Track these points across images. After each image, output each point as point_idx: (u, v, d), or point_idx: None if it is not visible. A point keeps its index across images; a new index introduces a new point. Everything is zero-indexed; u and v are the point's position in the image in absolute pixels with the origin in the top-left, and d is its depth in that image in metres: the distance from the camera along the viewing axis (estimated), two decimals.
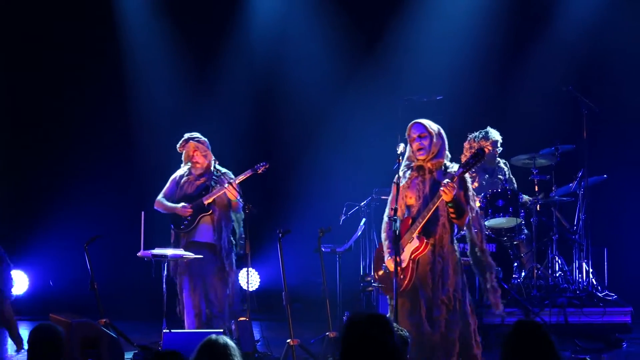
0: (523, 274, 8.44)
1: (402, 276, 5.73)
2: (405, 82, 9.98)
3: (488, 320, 7.65)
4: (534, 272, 8.31)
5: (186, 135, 7.67)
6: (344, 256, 8.53)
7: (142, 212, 7.14)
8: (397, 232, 5.62)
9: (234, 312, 7.47)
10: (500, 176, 8.77)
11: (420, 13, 10.28)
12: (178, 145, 7.65)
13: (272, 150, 10.18)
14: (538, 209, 8.41)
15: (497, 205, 8.18)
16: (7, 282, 7.65)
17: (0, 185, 10.41)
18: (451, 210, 5.78)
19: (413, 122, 5.99)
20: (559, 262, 8.48)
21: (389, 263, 5.84)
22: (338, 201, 9.13)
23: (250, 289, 7.91)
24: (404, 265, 5.76)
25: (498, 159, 8.84)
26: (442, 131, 5.99)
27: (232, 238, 7.63)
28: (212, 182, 7.56)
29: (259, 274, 10.30)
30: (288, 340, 6.64)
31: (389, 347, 3.02)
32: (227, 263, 7.49)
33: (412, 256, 5.80)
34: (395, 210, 5.68)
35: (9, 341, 7.77)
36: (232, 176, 7.63)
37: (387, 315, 5.20)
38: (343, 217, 8.82)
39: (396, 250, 5.62)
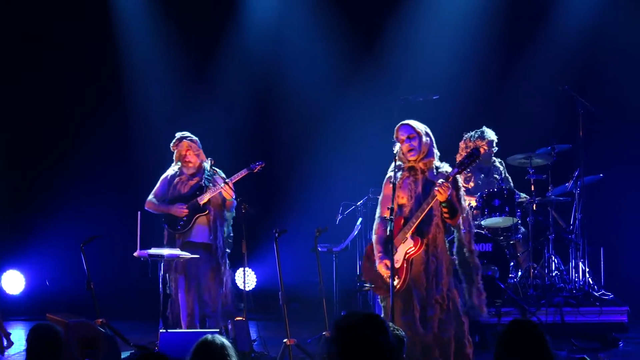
0: (519, 273, 8.45)
1: (396, 276, 5.73)
2: (403, 81, 9.99)
3: (485, 320, 7.66)
4: (531, 272, 8.31)
5: (179, 134, 7.66)
6: (340, 256, 8.56)
7: (139, 212, 7.14)
8: (391, 232, 5.61)
9: (227, 311, 7.46)
10: (496, 175, 8.78)
11: (417, 13, 10.29)
12: (171, 145, 7.65)
13: (269, 150, 10.19)
14: (534, 208, 8.42)
15: (493, 204, 8.18)
16: None
17: None
18: (445, 210, 5.79)
19: (400, 123, 5.99)
20: (556, 261, 8.48)
21: (381, 267, 5.83)
22: (334, 201, 9.14)
23: (247, 289, 7.92)
24: (397, 265, 5.76)
25: (494, 158, 8.85)
26: (429, 130, 6.01)
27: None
28: (206, 182, 7.54)
29: (255, 273, 10.32)
30: (285, 340, 6.64)
31: (384, 347, 3.02)
32: (222, 263, 7.49)
33: (407, 256, 5.81)
34: (392, 210, 5.69)
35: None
36: (223, 175, 7.61)
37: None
38: (339, 217, 8.83)
39: (391, 251, 5.62)
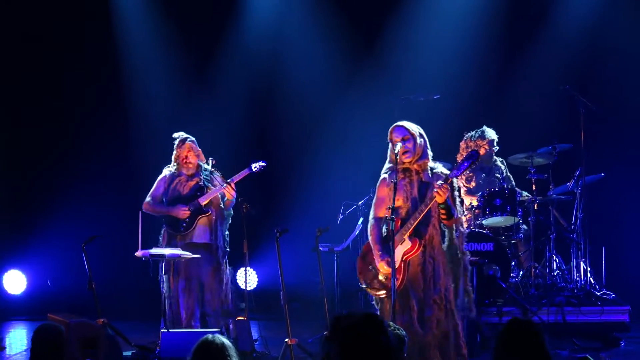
0: (521, 272, 8.45)
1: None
2: (403, 81, 9.99)
3: (485, 319, 7.66)
4: (532, 271, 8.31)
5: (180, 135, 7.62)
6: (341, 255, 8.54)
7: (140, 212, 7.14)
8: (392, 232, 5.60)
9: (227, 310, 7.45)
10: (497, 175, 8.78)
11: (417, 13, 10.29)
12: (175, 146, 7.62)
13: (269, 150, 10.18)
14: (536, 207, 8.42)
15: (494, 204, 8.18)
16: None
17: None
18: (443, 211, 5.80)
19: (394, 125, 5.98)
20: (557, 260, 8.48)
21: (382, 265, 5.83)
22: (335, 200, 9.12)
23: (248, 289, 7.91)
24: (395, 266, 5.76)
25: (495, 157, 8.85)
26: (422, 131, 6.00)
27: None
28: (205, 182, 7.53)
29: (256, 273, 10.31)
30: (286, 340, 6.64)
31: (384, 347, 3.01)
32: (223, 262, 7.48)
33: (404, 257, 5.81)
34: (392, 210, 5.68)
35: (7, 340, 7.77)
36: (221, 174, 7.59)
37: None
38: (340, 217, 8.82)
39: (392, 249, 5.61)
